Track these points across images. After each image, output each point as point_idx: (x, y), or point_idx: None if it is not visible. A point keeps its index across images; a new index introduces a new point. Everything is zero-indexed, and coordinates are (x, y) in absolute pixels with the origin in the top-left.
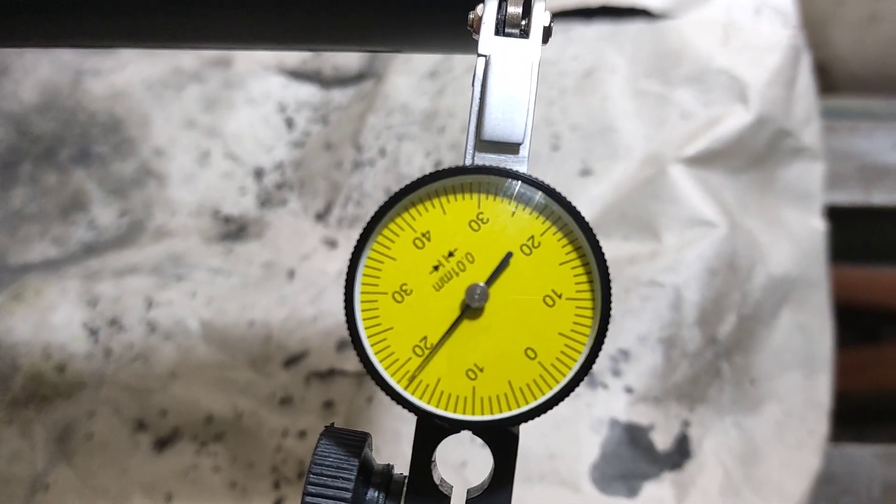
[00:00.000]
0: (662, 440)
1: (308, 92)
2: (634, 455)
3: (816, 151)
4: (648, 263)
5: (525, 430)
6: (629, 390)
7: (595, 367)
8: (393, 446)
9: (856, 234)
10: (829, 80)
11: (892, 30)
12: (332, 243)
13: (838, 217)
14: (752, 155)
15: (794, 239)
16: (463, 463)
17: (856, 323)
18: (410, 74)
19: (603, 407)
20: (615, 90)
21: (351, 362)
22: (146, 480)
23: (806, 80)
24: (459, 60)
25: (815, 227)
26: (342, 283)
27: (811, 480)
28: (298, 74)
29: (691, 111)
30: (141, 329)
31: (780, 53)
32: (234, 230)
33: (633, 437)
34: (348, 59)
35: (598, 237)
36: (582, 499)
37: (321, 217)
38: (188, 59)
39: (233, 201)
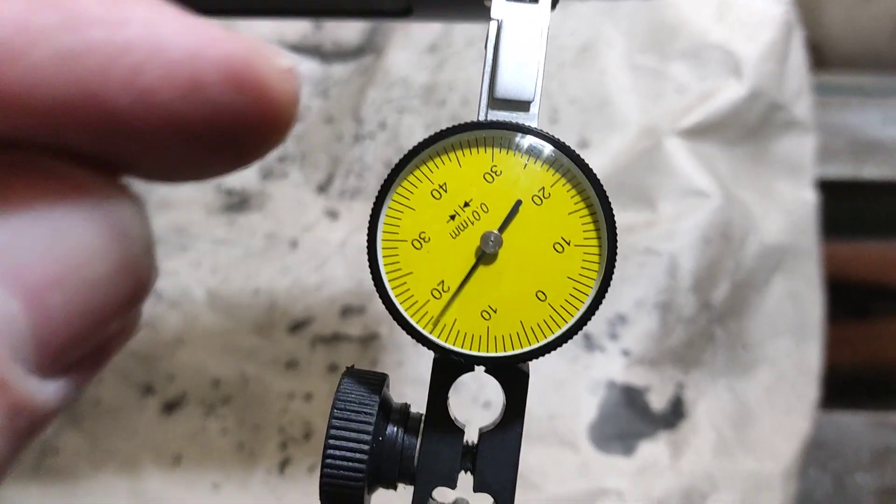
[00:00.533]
0: (658, 401)
1: (309, 66)
2: (631, 415)
3: (808, 125)
4: (645, 232)
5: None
6: (626, 353)
7: (593, 330)
8: None
9: (846, 207)
10: (822, 57)
11: (884, 8)
12: (333, 214)
13: (829, 190)
14: (746, 128)
15: (785, 209)
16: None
17: (846, 297)
18: (410, 49)
19: (601, 369)
20: (612, 64)
21: (355, 327)
22: (155, 443)
23: (798, 55)
24: (459, 35)
25: (807, 198)
26: (345, 252)
27: (801, 443)
28: (299, 49)
29: (686, 85)
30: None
31: (774, 29)
32: (236, 202)
33: (629, 399)
34: (348, 34)
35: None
36: (580, 457)
37: (322, 189)
38: None
39: (235, 174)
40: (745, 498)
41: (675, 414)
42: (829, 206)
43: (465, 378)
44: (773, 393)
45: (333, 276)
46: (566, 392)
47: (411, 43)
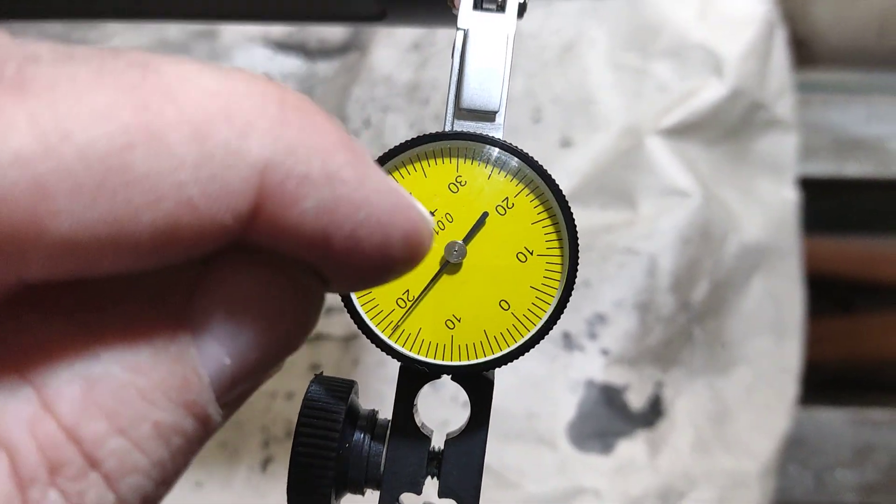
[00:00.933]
0: (636, 400)
1: (293, 64)
2: (609, 414)
3: (789, 124)
4: (625, 231)
5: (505, 390)
6: (605, 352)
7: (572, 330)
8: (377, 406)
9: (829, 204)
10: (810, 53)
11: (871, 4)
12: None
13: (812, 188)
14: (727, 127)
15: (766, 209)
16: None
17: (829, 293)
18: (394, 47)
19: (580, 368)
20: (595, 63)
21: (337, 327)
22: None
23: (780, 54)
24: (442, 34)
25: (788, 197)
26: None
27: (779, 441)
28: (284, 46)
29: (668, 84)
30: None
31: (755, 28)
32: None
33: (608, 397)
34: (333, 33)
35: (576, 206)
36: (559, 456)
37: None
38: (174, 31)
39: None
40: (722, 496)
41: (653, 412)
42: (811, 203)
43: (444, 378)
44: (752, 391)
45: None
46: (545, 391)
47: (395, 41)
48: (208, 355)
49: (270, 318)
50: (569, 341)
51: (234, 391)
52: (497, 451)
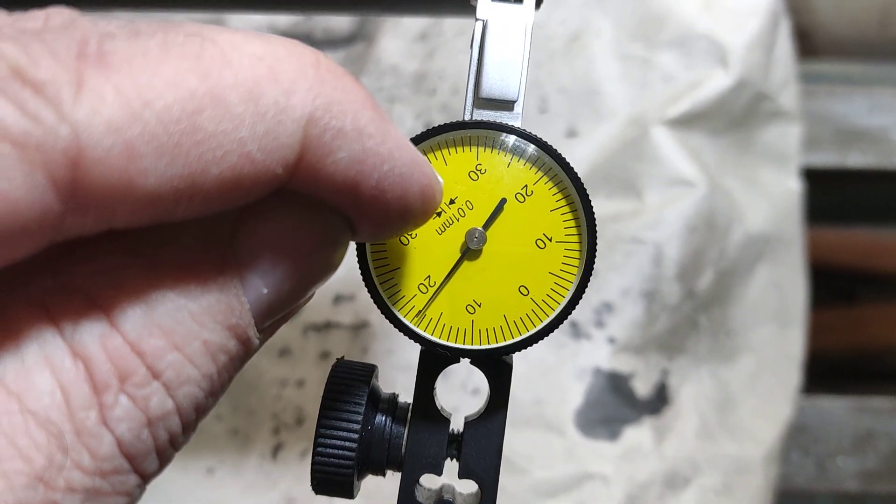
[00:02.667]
0: (642, 387)
1: None
2: (616, 401)
3: (793, 114)
4: (631, 221)
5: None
6: (612, 341)
7: (580, 318)
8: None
9: (832, 195)
10: (812, 44)
11: None
12: None
13: (815, 178)
14: (732, 117)
15: (770, 198)
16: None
17: (832, 283)
18: (401, 37)
19: (587, 356)
20: (601, 54)
21: (346, 315)
22: None
23: (785, 45)
24: (449, 24)
25: (791, 187)
26: None
27: (783, 427)
28: (290, 37)
29: (674, 74)
30: None
31: (760, 19)
32: None
33: (615, 385)
34: (339, 23)
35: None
36: (566, 442)
37: None
38: (180, 20)
39: None
40: (726, 481)
41: (659, 400)
42: (814, 193)
43: (454, 366)
44: (755, 379)
45: None
46: (553, 378)
47: (401, 32)
48: (249, 285)
49: (302, 255)
50: (576, 330)
51: (270, 318)
52: (506, 438)
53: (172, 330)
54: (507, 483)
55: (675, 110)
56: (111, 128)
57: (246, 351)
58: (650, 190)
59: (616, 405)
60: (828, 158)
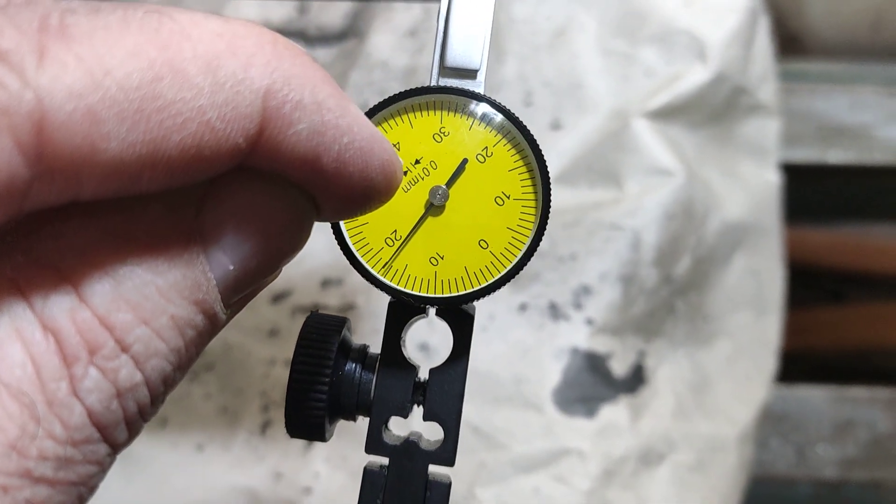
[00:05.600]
0: (619, 367)
1: None
2: (594, 380)
3: (772, 108)
4: (611, 209)
5: (494, 357)
6: (590, 322)
7: (559, 300)
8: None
9: (812, 190)
10: (803, 47)
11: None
12: None
13: (796, 174)
14: (711, 110)
15: (748, 189)
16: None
17: (819, 283)
18: (391, 33)
19: (565, 337)
20: (585, 49)
21: (333, 298)
22: None
23: (763, 41)
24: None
25: (770, 179)
26: (325, 226)
27: (757, 410)
28: (283, 33)
29: (654, 69)
30: None
31: (739, 15)
32: None
33: (592, 365)
34: (332, 19)
35: (565, 186)
36: (545, 419)
37: None
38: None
39: None
40: (700, 458)
41: (635, 379)
42: (795, 189)
43: (437, 345)
44: (731, 363)
45: (313, 250)
46: (532, 358)
47: (392, 27)
48: (215, 261)
49: (268, 232)
50: (555, 311)
51: (237, 294)
52: (486, 415)
53: (140, 304)
54: (487, 458)
55: (655, 103)
56: (73, 93)
57: (213, 326)
58: (630, 179)
59: (593, 384)
60: (809, 154)
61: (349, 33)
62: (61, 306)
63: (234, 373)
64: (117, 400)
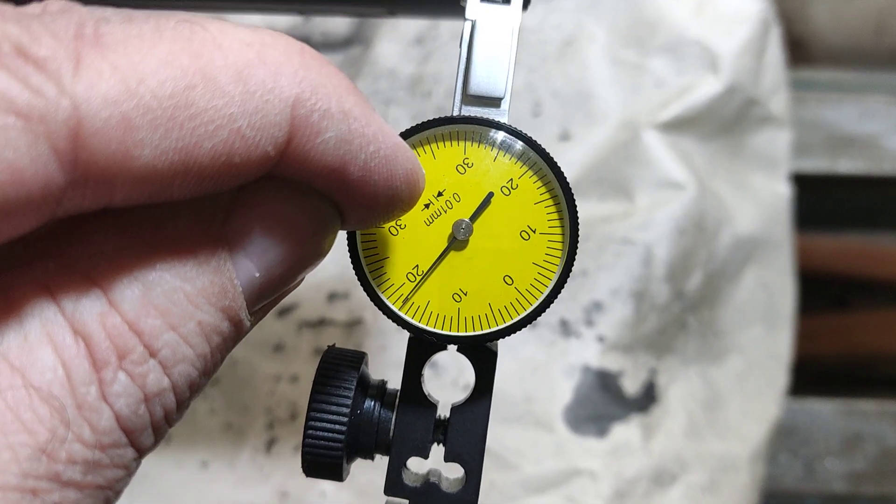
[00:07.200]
0: (631, 386)
1: None
2: (605, 399)
3: (783, 120)
4: (622, 222)
5: (504, 375)
6: (601, 339)
7: (570, 317)
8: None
9: (822, 200)
10: (807, 53)
11: (869, 4)
12: None
13: (805, 184)
14: (722, 122)
15: (759, 202)
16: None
17: (824, 290)
18: (397, 41)
19: (576, 354)
20: (594, 59)
21: (340, 312)
22: None
23: (775, 51)
24: (445, 28)
25: (780, 191)
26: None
27: (769, 427)
28: None
29: (665, 79)
30: None
31: (751, 26)
32: None
33: (603, 383)
34: (337, 27)
35: (574, 192)
36: (556, 438)
37: None
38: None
39: None
40: (713, 478)
41: (647, 398)
42: (804, 199)
43: (446, 363)
44: (743, 379)
45: (321, 265)
46: (543, 376)
47: (398, 36)
48: (242, 268)
49: (293, 240)
50: (566, 328)
51: (261, 301)
52: (497, 434)
53: (169, 310)
54: (497, 478)
55: (666, 114)
56: (108, 101)
57: (238, 332)
58: (641, 192)
59: (605, 403)
60: (818, 164)
61: (354, 40)
62: (91, 311)
63: (239, 389)
64: (145, 404)
